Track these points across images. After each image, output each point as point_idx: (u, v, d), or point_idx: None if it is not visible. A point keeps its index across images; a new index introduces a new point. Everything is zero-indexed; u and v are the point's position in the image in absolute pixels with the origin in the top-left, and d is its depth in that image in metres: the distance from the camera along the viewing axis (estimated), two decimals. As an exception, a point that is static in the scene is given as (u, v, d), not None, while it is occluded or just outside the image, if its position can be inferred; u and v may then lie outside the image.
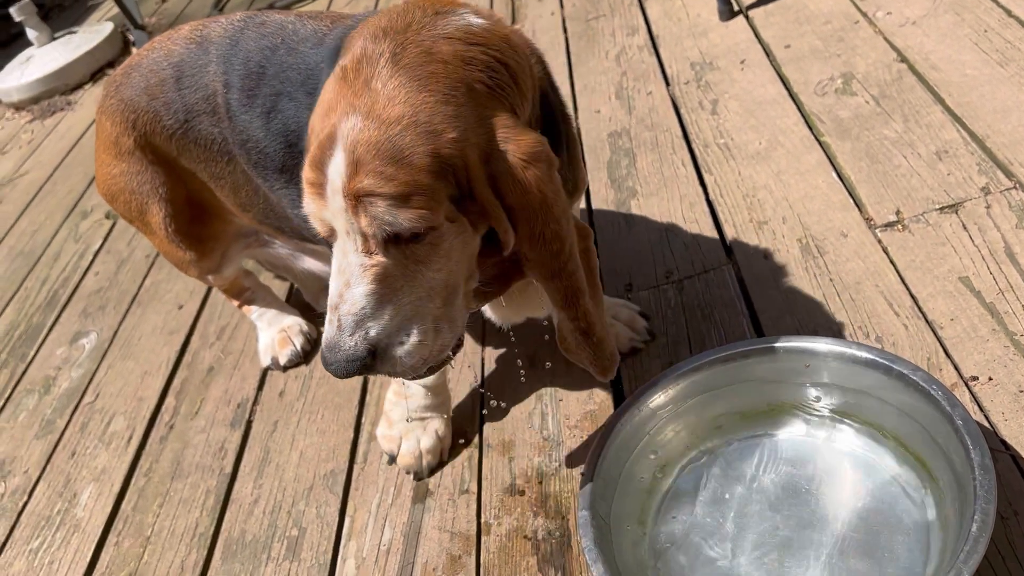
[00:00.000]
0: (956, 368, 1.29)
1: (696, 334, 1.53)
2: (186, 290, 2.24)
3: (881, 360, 1.13)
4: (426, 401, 1.48)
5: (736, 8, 2.42)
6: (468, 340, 1.71)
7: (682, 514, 1.18)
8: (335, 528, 1.45)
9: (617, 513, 1.16)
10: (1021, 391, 1.22)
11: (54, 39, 4.19)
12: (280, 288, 2.06)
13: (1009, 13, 1.96)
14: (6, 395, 2.14)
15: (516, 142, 0.96)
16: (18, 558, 1.67)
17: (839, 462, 1.16)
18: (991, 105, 1.74)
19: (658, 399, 1.23)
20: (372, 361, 0.98)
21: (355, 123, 0.92)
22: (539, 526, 1.33)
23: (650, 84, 2.29)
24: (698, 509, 1.18)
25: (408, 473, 1.49)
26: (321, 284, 1.89)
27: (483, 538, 1.35)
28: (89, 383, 2.06)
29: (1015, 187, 1.55)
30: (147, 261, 2.46)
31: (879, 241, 1.56)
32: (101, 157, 1.65)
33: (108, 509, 1.68)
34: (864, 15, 2.17)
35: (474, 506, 1.41)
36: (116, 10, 4.71)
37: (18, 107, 4.08)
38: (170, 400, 1.90)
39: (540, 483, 1.40)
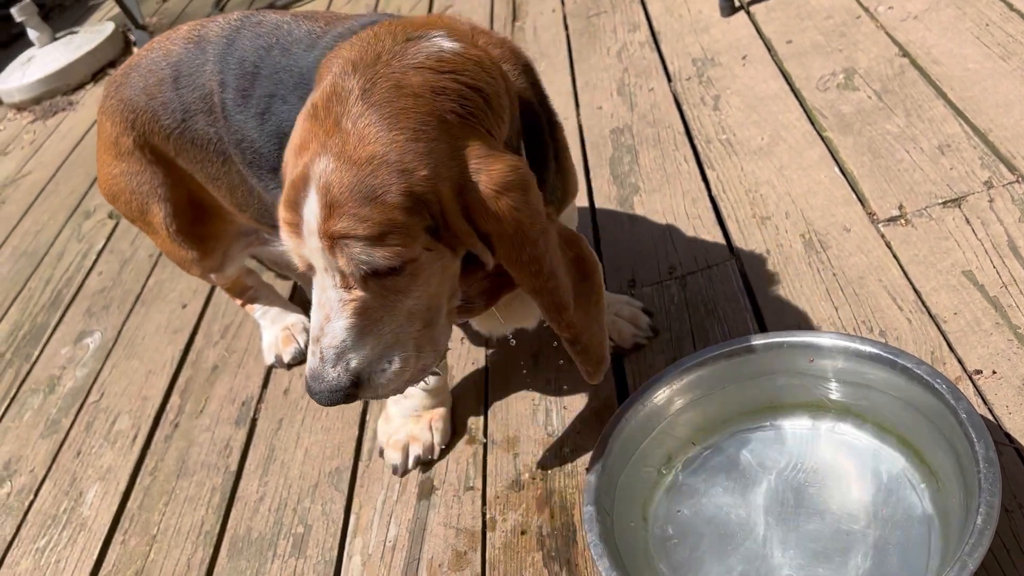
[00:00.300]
0: (960, 362, 1.29)
1: (699, 330, 1.53)
2: (189, 289, 2.24)
3: (885, 354, 1.13)
4: (425, 401, 1.51)
5: (737, 4, 2.42)
6: (474, 336, 1.71)
7: (687, 508, 1.19)
8: (340, 525, 1.46)
9: (622, 508, 1.16)
10: (1025, 384, 1.23)
11: (55, 39, 4.20)
12: (283, 287, 2.07)
13: (1011, 7, 1.96)
14: (11, 395, 2.15)
15: (488, 172, 0.96)
16: (25, 556, 1.67)
17: (843, 455, 1.16)
18: (993, 99, 1.74)
19: (663, 394, 1.23)
20: (355, 390, 1.01)
21: (327, 164, 0.93)
22: (544, 521, 1.34)
23: (652, 80, 2.29)
24: (703, 503, 1.19)
25: (396, 474, 1.49)
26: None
27: (488, 534, 1.35)
28: (94, 382, 2.07)
29: (1018, 181, 1.55)
30: (150, 261, 2.47)
31: (882, 236, 1.56)
32: (102, 157, 1.65)
33: (114, 508, 1.69)
34: (865, 10, 2.17)
35: (479, 502, 1.41)
36: (117, 10, 4.72)
37: (20, 107, 4.08)
38: (175, 399, 1.90)
39: (545, 479, 1.40)
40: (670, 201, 1.86)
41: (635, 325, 1.55)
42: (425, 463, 1.50)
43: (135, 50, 4.18)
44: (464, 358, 1.68)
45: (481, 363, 1.66)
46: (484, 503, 1.41)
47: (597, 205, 1.94)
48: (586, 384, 1.52)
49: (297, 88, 1.28)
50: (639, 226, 1.82)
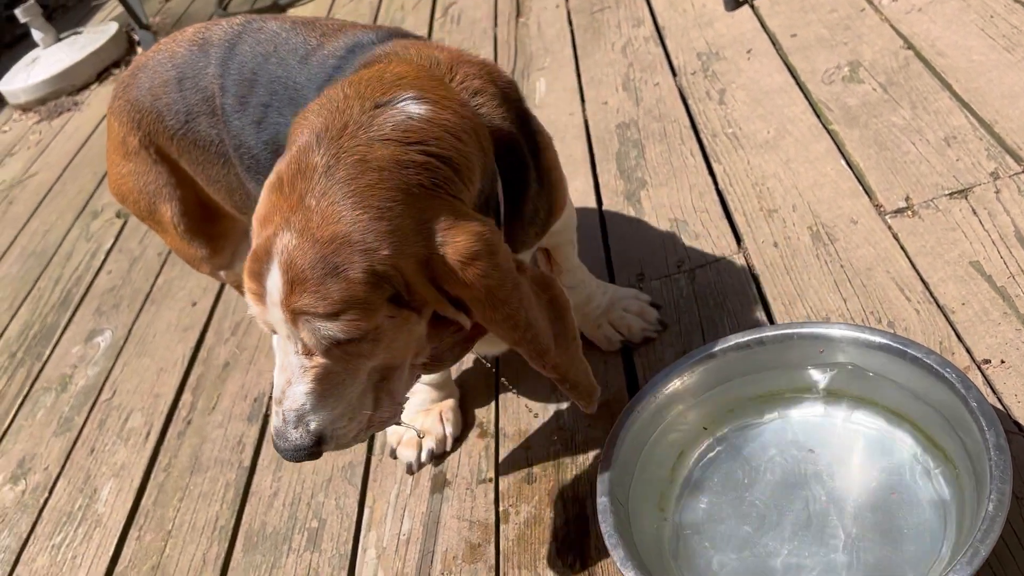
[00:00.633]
0: (968, 352, 1.30)
1: (709, 322, 1.54)
2: (199, 287, 2.25)
3: (895, 344, 1.14)
4: (432, 394, 1.54)
5: (741, -2, 2.43)
6: (482, 332, 1.73)
7: (701, 499, 1.20)
8: (355, 519, 1.47)
9: (636, 499, 1.18)
10: (1033, 373, 1.24)
11: (59, 40, 4.21)
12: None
13: (1015, -2, 1.96)
14: (24, 393, 2.17)
15: (454, 244, 0.97)
16: (41, 553, 1.69)
17: (855, 444, 1.18)
18: (999, 90, 1.75)
19: (674, 386, 1.24)
20: (318, 448, 1.03)
21: (289, 240, 0.94)
22: (557, 514, 1.35)
23: (657, 75, 2.30)
24: (717, 494, 1.20)
25: (410, 472, 1.51)
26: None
27: (502, 526, 1.37)
28: (105, 380, 2.08)
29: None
30: (159, 259, 2.48)
31: (889, 227, 1.57)
32: (111, 157, 1.67)
33: (129, 504, 1.71)
34: (869, 3, 2.18)
35: (492, 495, 1.42)
36: (120, 10, 4.73)
37: (25, 108, 4.10)
38: (187, 396, 1.92)
39: (557, 471, 1.41)
40: (677, 195, 1.87)
41: (644, 319, 1.56)
42: (438, 456, 1.51)
43: (139, 50, 4.20)
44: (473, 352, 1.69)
45: (491, 357, 1.67)
46: (497, 496, 1.42)
47: (604, 200, 1.95)
48: (596, 377, 1.53)
49: (291, 103, 1.31)
50: (647, 220, 1.83)
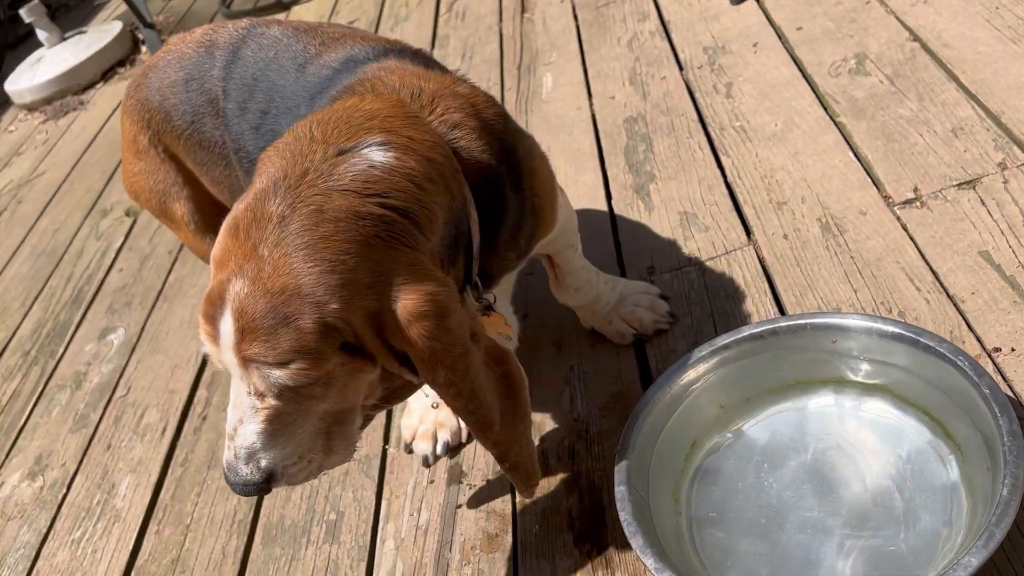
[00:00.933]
0: (979, 340, 1.32)
1: (720, 314, 1.56)
2: (211, 284, 2.27)
3: (907, 333, 1.16)
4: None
5: (746, -9, 2.44)
6: (494, 325, 1.74)
7: (716, 488, 1.22)
8: (372, 511, 1.49)
9: (653, 488, 1.19)
10: (1044, 361, 1.25)
11: (64, 39, 4.22)
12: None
13: (1020, -11, 1.97)
14: (38, 391, 2.19)
15: (404, 301, 0.97)
16: (61, 548, 1.71)
17: (868, 432, 1.19)
18: (1005, 81, 1.76)
19: (689, 376, 1.26)
20: (267, 484, 1.05)
21: (241, 288, 0.95)
22: (573, 504, 1.37)
23: (663, 69, 2.31)
24: (731, 483, 1.22)
25: (426, 464, 1.52)
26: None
27: (519, 516, 1.39)
28: (120, 377, 2.10)
29: (1031, 162, 1.57)
30: (170, 257, 2.50)
31: (898, 218, 1.58)
32: (124, 155, 1.70)
33: (147, 499, 1.73)
34: (875, -5, 2.19)
35: (508, 486, 1.44)
36: (122, 9, 4.74)
37: (31, 108, 4.11)
38: (201, 392, 1.93)
39: (572, 462, 1.43)
40: (686, 188, 1.88)
41: (654, 311, 1.57)
42: (453, 449, 1.53)
43: (143, 48, 4.21)
44: (487, 346, 1.71)
45: (504, 351, 1.69)
46: (513, 487, 1.43)
47: (613, 194, 1.96)
48: (609, 369, 1.55)
49: (288, 112, 1.33)
50: (656, 213, 1.85)
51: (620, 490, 1.14)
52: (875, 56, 1.99)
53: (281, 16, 3.85)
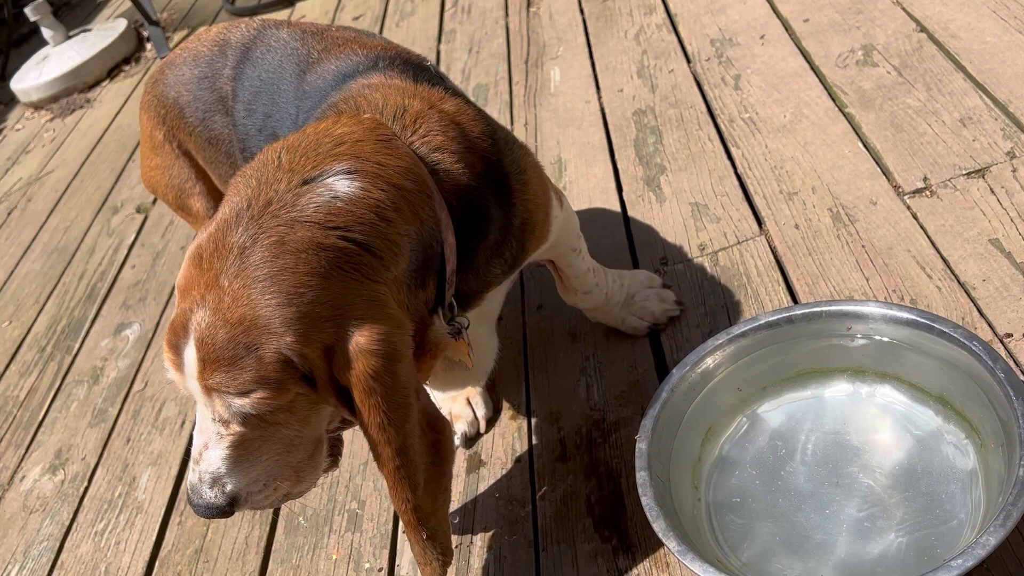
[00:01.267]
0: (990, 326, 1.34)
1: (733, 303, 1.58)
2: (225, 279, 2.29)
3: (922, 320, 1.18)
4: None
5: (752, -16, 2.45)
6: (510, 318, 1.76)
7: (734, 474, 1.24)
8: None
9: (672, 474, 1.21)
10: (1055, 346, 1.28)
11: (69, 38, 4.24)
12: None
13: (1026, -20, 1.99)
14: (56, 386, 2.21)
15: (357, 337, 0.97)
16: (85, 540, 1.73)
17: (883, 418, 1.21)
18: (1012, 71, 1.78)
19: (706, 364, 1.28)
20: (231, 508, 1.06)
21: (203, 317, 0.96)
22: (592, 490, 1.39)
23: (671, 62, 2.33)
24: (748, 469, 1.24)
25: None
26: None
27: (538, 503, 1.41)
28: (137, 372, 2.12)
29: (1040, 150, 1.59)
30: (182, 253, 2.52)
31: (908, 207, 1.60)
32: (142, 149, 1.72)
33: (168, 491, 1.75)
34: (881, -14, 2.20)
35: (527, 474, 1.46)
36: (125, 6, 4.76)
37: (37, 106, 4.13)
38: (219, 385, 1.95)
39: (590, 450, 1.45)
40: (696, 180, 1.90)
41: (664, 302, 1.59)
42: (471, 439, 1.56)
43: (148, 46, 4.23)
44: (502, 338, 1.73)
45: (518, 342, 1.71)
46: (532, 474, 1.46)
47: (624, 186, 1.98)
48: (624, 359, 1.58)
49: (287, 118, 1.35)
50: (668, 205, 1.87)
51: (641, 475, 1.16)
52: (882, 47, 2.01)
53: (286, 13, 3.86)
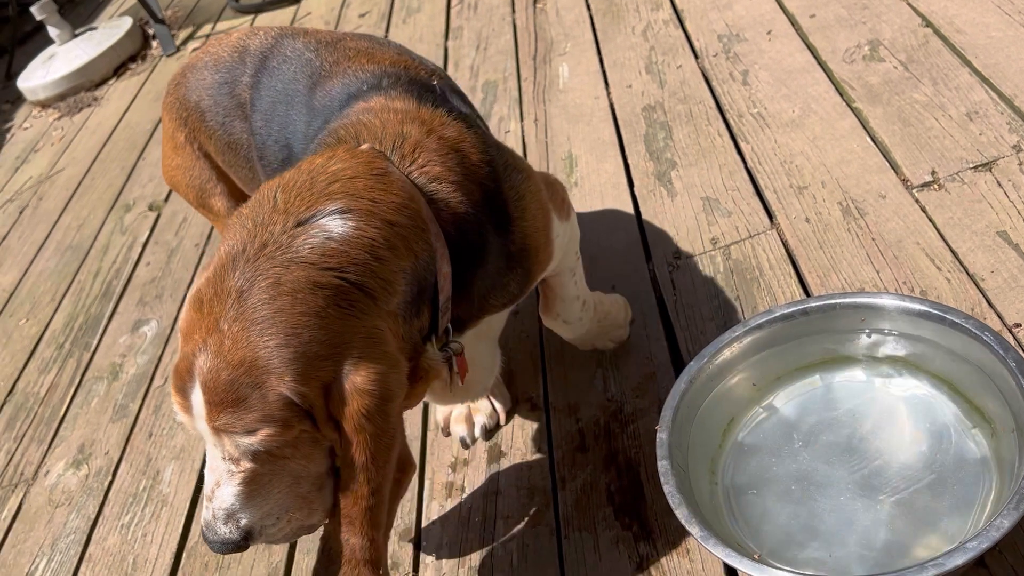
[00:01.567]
0: (999, 316, 1.38)
1: (747, 296, 1.61)
2: (240, 276, 2.32)
3: (934, 311, 1.21)
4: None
5: (758, -21, 2.48)
6: (526, 312, 1.80)
7: (752, 461, 1.27)
8: (416, 491, 1.55)
9: (691, 463, 1.25)
10: (1062, 335, 1.31)
11: (75, 36, 4.25)
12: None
13: (1030, -25, 2.02)
14: (76, 382, 2.24)
15: (352, 378, 0.99)
16: (111, 533, 1.77)
17: (897, 407, 1.25)
18: (1017, 66, 1.81)
19: (724, 355, 1.32)
20: (246, 543, 1.09)
21: (206, 361, 0.99)
22: (611, 480, 1.43)
23: (679, 58, 2.36)
24: (766, 457, 1.28)
25: (465, 446, 1.57)
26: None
27: (559, 493, 1.45)
28: (156, 368, 2.16)
29: (1045, 144, 1.62)
30: (196, 251, 2.55)
31: (917, 201, 1.64)
32: (164, 148, 1.76)
33: (192, 484, 1.78)
34: (886, -18, 2.23)
35: (547, 464, 1.50)
36: (128, 3, 4.78)
37: (44, 105, 4.15)
38: (239, 380, 1.99)
39: (608, 440, 1.49)
40: (707, 174, 1.93)
41: (625, 327, 1.62)
42: (491, 431, 1.59)
43: (154, 43, 4.25)
44: (517, 331, 1.77)
45: (535, 335, 1.75)
46: (552, 465, 1.50)
47: (635, 181, 2.02)
48: (639, 351, 1.61)
49: (300, 132, 1.37)
50: (679, 199, 1.90)
51: (663, 464, 1.20)
52: (888, 42, 2.04)
53: (291, 10, 3.88)
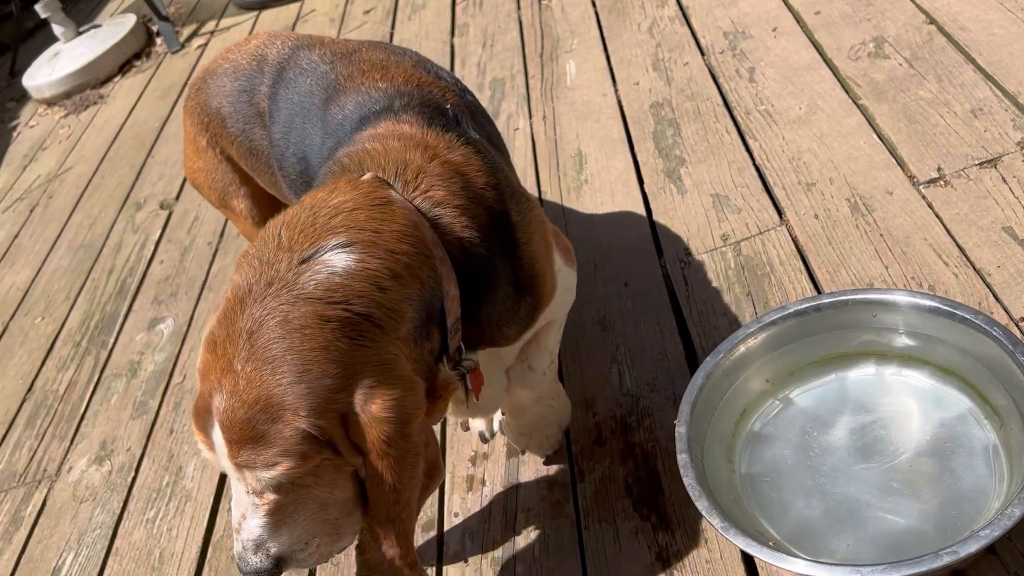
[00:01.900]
0: (1006, 311, 1.42)
1: (758, 292, 1.65)
2: (255, 273, 2.35)
3: (944, 307, 1.25)
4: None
5: (763, -24, 2.50)
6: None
7: (767, 452, 1.32)
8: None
9: (708, 455, 1.29)
10: (1067, 329, 1.35)
11: (79, 34, 4.27)
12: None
13: (1032, -28, 2.05)
14: (95, 380, 2.28)
15: (370, 406, 1.02)
16: (137, 527, 1.81)
17: (908, 399, 1.29)
18: (1020, 63, 1.84)
19: (739, 351, 1.36)
20: (278, 569, 1.12)
21: (222, 401, 1.02)
22: (629, 472, 1.47)
23: (685, 55, 2.39)
24: (781, 448, 1.32)
25: (484, 441, 1.59)
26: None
27: (578, 485, 1.49)
28: (174, 365, 2.19)
29: (1049, 140, 1.66)
30: (210, 248, 2.58)
31: (923, 197, 1.67)
32: (186, 151, 1.79)
33: (215, 479, 1.82)
34: (890, -21, 2.26)
35: (566, 457, 1.54)
36: (130, 0, 4.79)
37: (50, 103, 4.17)
38: (257, 377, 2.02)
39: (625, 434, 1.53)
40: (716, 171, 1.97)
41: (558, 439, 1.54)
42: (511, 427, 1.62)
43: (158, 41, 4.27)
44: (534, 327, 1.80)
45: (551, 331, 1.78)
46: (570, 457, 1.54)
47: (644, 178, 2.05)
48: (653, 347, 1.65)
49: (315, 147, 1.39)
50: (689, 196, 1.94)
51: (683, 457, 1.24)
52: (893, 39, 2.07)
53: (295, 7, 3.90)
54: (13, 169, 3.75)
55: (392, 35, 3.30)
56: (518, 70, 2.71)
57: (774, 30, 2.30)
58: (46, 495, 2.00)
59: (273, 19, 3.91)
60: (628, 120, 2.26)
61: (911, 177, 1.73)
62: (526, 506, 1.49)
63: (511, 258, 1.21)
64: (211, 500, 1.78)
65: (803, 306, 1.36)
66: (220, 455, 1.06)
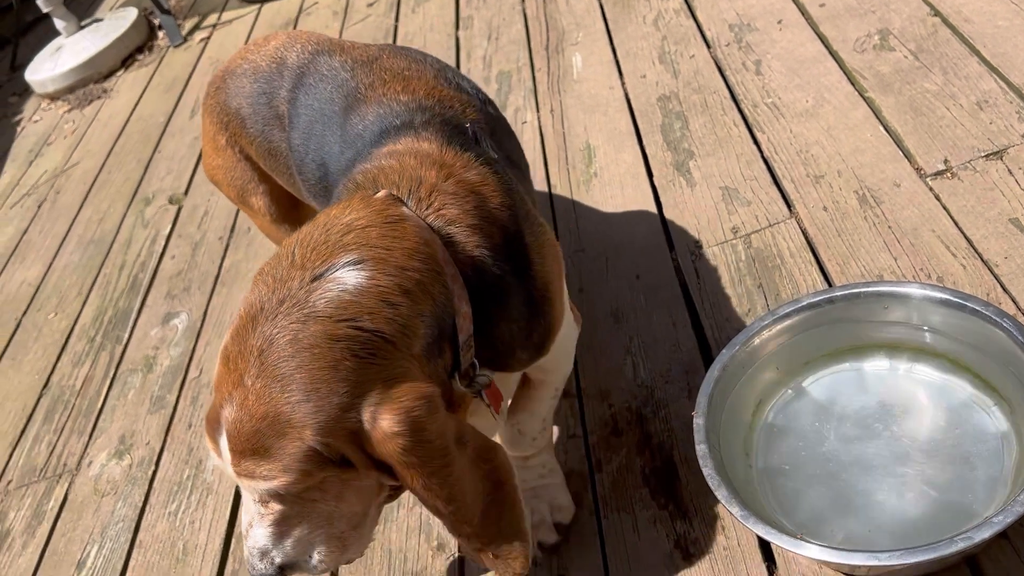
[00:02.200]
0: (1014, 301, 1.45)
1: (769, 284, 1.68)
2: (268, 268, 2.38)
3: (954, 299, 1.28)
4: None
5: (768, -32, 2.52)
6: (554, 300, 1.86)
7: (782, 442, 1.35)
8: (457, 475, 1.62)
9: (724, 445, 1.32)
10: (1074, 318, 1.39)
11: (81, 28, 4.27)
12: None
13: (1035, -37, 2.07)
14: (111, 375, 2.30)
15: (379, 421, 1.02)
16: (159, 520, 1.84)
17: (920, 389, 1.33)
18: (1025, 55, 1.87)
19: (754, 343, 1.39)
20: (283, 575, 1.15)
21: (231, 413, 1.05)
22: (645, 463, 1.50)
23: (691, 48, 2.41)
24: (795, 438, 1.35)
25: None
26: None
27: (596, 475, 1.52)
28: (190, 360, 2.22)
29: (1054, 132, 1.69)
30: (221, 244, 2.61)
31: (931, 189, 1.70)
32: (205, 148, 1.81)
33: (236, 472, 1.85)
34: (894, -29, 2.28)
35: (582, 448, 1.57)
36: (132, -6, 4.78)
37: (53, 97, 4.17)
38: (273, 371, 2.05)
39: (641, 425, 1.56)
40: (725, 164, 2.00)
41: (552, 515, 1.46)
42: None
43: (161, 34, 4.27)
44: (548, 320, 1.83)
45: (564, 324, 1.81)
46: (587, 448, 1.57)
47: (653, 171, 2.08)
48: (667, 339, 1.68)
49: (334, 155, 1.40)
50: (698, 189, 1.96)
51: (701, 448, 1.27)
52: (898, 31, 2.10)
53: (297, 1, 3.90)
54: (19, 164, 3.77)
55: (396, 28, 3.31)
56: (524, 63, 2.72)
57: (779, 22, 2.33)
58: (67, 489, 2.03)
59: (275, 12, 3.92)
60: (636, 113, 2.28)
61: (918, 169, 1.76)
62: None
63: (524, 278, 1.21)
64: (232, 493, 1.82)
65: (816, 298, 1.39)
66: (227, 464, 1.09)
